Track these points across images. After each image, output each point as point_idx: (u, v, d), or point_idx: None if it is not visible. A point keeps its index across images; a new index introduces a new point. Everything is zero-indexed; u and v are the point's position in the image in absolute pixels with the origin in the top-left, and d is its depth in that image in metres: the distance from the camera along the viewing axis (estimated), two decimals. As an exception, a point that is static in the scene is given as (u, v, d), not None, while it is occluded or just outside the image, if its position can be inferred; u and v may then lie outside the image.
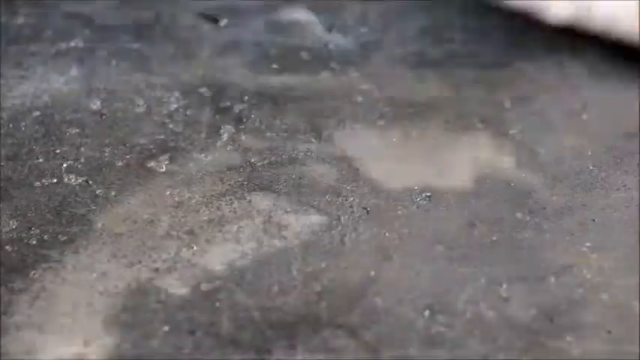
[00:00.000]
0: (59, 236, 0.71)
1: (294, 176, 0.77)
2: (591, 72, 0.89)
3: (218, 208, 0.74)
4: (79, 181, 0.75)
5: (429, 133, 0.82)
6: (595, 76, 0.88)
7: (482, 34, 0.95)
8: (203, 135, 0.81)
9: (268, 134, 0.81)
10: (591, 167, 0.78)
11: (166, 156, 0.78)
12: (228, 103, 0.84)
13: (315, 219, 0.73)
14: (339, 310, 0.66)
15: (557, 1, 0.65)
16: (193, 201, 0.74)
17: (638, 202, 0.75)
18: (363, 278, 0.68)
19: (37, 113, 0.82)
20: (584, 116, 0.84)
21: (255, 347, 0.63)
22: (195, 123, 0.82)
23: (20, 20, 0.93)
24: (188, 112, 0.83)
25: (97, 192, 0.74)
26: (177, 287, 0.68)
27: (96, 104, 0.84)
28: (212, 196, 0.75)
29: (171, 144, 0.79)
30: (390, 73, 0.89)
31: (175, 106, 0.83)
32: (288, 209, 0.74)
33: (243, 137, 0.80)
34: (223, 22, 0.93)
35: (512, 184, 0.76)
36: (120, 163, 0.77)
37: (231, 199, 0.75)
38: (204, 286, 0.68)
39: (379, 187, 0.76)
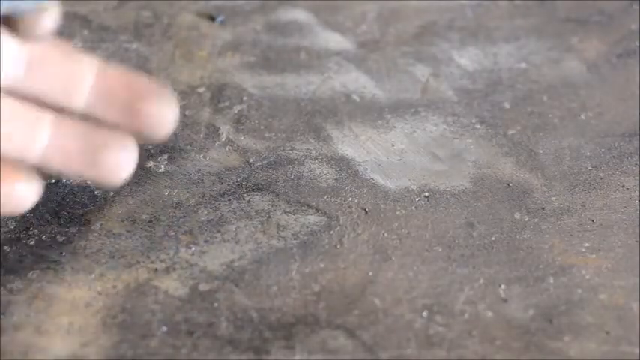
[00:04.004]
0: (58, 236, 0.71)
1: (292, 177, 0.77)
2: (591, 71, 0.89)
3: (217, 209, 0.74)
4: (78, 181, 0.75)
5: (428, 133, 0.82)
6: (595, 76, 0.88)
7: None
8: (202, 135, 0.81)
9: (267, 134, 0.81)
10: (590, 168, 0.78)
11: (165, 156, 0.78)
12: (227, 104, 0.84)
13: (314, 219, 0.73)
14: (338, 311, 0.66)
15: None
16: (192, 201, 0.74)
17: (637, 202, 0.75)
18: (362, 279, 0.68)
19: (36, 113, 0.82)
20: (583, 116, 0.84)
21: (254, 347, 0.63)
22: (194, 123, 0.82)
23: (19, 20, 0.92)
24: (187, 113, 0.83)
25: (96, 192, 0.74)
26: (175, 287, 0.68)
27: (95, 104, 0.83)
28: (211, 196, 0.75)
29: (170, 144, 0.79)
30: (389, 72, 0.89)
31: (174, 106, 0.83)
32: (287, 209, 0.74)
33: (242, 138, 0.80)
34: (219, 18, 0.93)
35: (510, 185, 0.76)
36: (118, 164, 0.77)
37: (229, 200, 0.75)
38: (202, 287, 0.68)
39: (378, 188, 0.76)
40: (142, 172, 0.77)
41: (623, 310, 0.66)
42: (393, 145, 0.80)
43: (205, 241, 0.71)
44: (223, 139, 0.80)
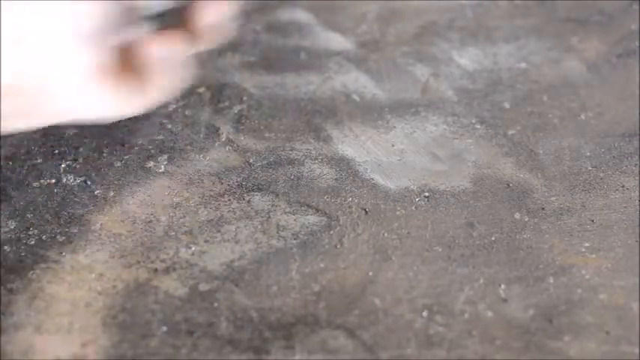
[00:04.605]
0: (58, 236, 0.71)
1: (292, 177, 0.77)
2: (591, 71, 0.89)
3: (217, 209, 0.74)
4: (78, 181, 0.75)
5: (428, 133, 0.82)
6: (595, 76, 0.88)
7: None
8: (202, 135, 0.81)
9: (267, 134, 0.81)
10: (590, 168, 0.78)
11: (165, 156, 0.78)
12: (226, 104, 0.84)
13: (314, 219, 0.73)
14: (338, 311, 0.66)
15: None
16: (192, 201, 0.74)
17: (637, 202, 0.75)
18: (362, 279, 0.68)
19: (36, 113, 0.82)
20: (583, 116, 0.84)
21: (254, 347, 0.63)
22: (194, 123, 0.82)
23: (19, 20, 0.92)
24: (187, 113, 0.83)
25: (96, 192, 0.75)
26: (175, 287, 0.68)
27: (95, 104, 0.83)
28: (211, 196, 0.75)
29: (170, 144, 0.79)
30: (389, 72, 0.89)
31: (174, 106, 0.83)
32: (287, 209, 0.74)
33: (242, 138, 0.81)
34: None
35: (510, 185, 0.76)
36: (118, 164, 0.77)
37: (229, 200, 0.75)
38: (202, 287, 0.68)
39: (378, 188, 0.76)
40: (142, 172, 0.77)
41: (623, 310, 0.66)
42: (393, 145, 0.80)
43: (205, 241, 0.71)
44: (223, 139, 0.80)
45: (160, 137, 0.80)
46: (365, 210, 0.74)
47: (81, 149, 0.78)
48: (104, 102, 0.61)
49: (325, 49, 0.91)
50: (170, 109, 0.83)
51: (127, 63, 0.60)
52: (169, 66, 0.62)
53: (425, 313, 0.66)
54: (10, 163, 0.77)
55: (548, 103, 0.85)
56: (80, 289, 0.67)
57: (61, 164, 0.77)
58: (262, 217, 0.73)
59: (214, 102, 0.84)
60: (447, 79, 0.88)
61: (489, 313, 0.66)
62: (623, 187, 0.76)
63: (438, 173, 0.77)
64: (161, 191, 0.75)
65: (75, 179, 0.75)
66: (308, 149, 0.79)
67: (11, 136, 0.80)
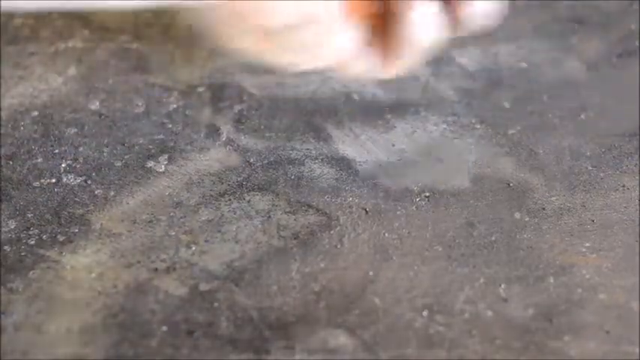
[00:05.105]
0: (58, 236, 0.71)
1: (293, 176, 0.77)
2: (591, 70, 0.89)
3: (217, 209, 0.74)
4: (78, 181, 0.75)
5: (428, 133, 0.82)
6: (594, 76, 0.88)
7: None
8: (202, 135, 0.81)
9: (267, 134, 0.81)
10: (590, 168, 0.78)
11: (165, 156, 0.78)
12: (227, 103, 0.84)
13: (314, 219, 0.73)
14: (338, 310, 0.66)
15: None
16: (192, 201, 0.74)
17: (637, 202, 0.75)
18: (362, 278, 0.68)
19: (36, 113, 0.82)
20: (583, 116, 0.84)
21: (254, 347, 0.63)
22: (194, 123, 0.82)
23: (18, 21, 0.93)
24: (187, 112, 0.83)
25: (96, 192, 0.75)
26: (175, 287, 0.68)
27: (95, 104, 0.84)
28: (211, 196, 0.75)
29: (171, 144, 0.79)
30: (389, 73, 0.88)
31: (174, 106, 0.83)
32: (287, 209, 0.74)
33: (242, 137, 0.81)
34: None
35: (511, 185, 0.76)
36: (119, 163, 0.77)
37: (230, 199, 0.75)
38: (202, 286, 0.68)
39: (378, 188, 0.76)
40: (142, 172, 0.77)
41: (623, 310, 0.66)
42: (393, 145, 0.80)
43: (205, 241, 0.71)
44: (224, 139, 0.80)
45: (161, 137, 0.80)
46: (365, 210, 0.74)
47: (81, 149, 0.78)
48: (364, 62, 0.61)
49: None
50: (171, 108, 0.83)
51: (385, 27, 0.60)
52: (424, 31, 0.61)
53: (425, 313, 0.66)
54: (10, 163, 0.77)
55: (548, 103, 0.85)
56: (80, 288, 0.67)
57: (61, 164, 0.77)
58: (262, 216, 0.73)
59: (214, 102, 0.84)
60: (447, 79, 0.88)
61: (489, 313, 0.66)
62: (623, 186, 0.76)
63: (438, 173, 0.77)
64: (161, 191, 0.75)
65: (75, 179, 0.75)
66: (308, 149, 0.79)
67: (11, 135, 0.80)
